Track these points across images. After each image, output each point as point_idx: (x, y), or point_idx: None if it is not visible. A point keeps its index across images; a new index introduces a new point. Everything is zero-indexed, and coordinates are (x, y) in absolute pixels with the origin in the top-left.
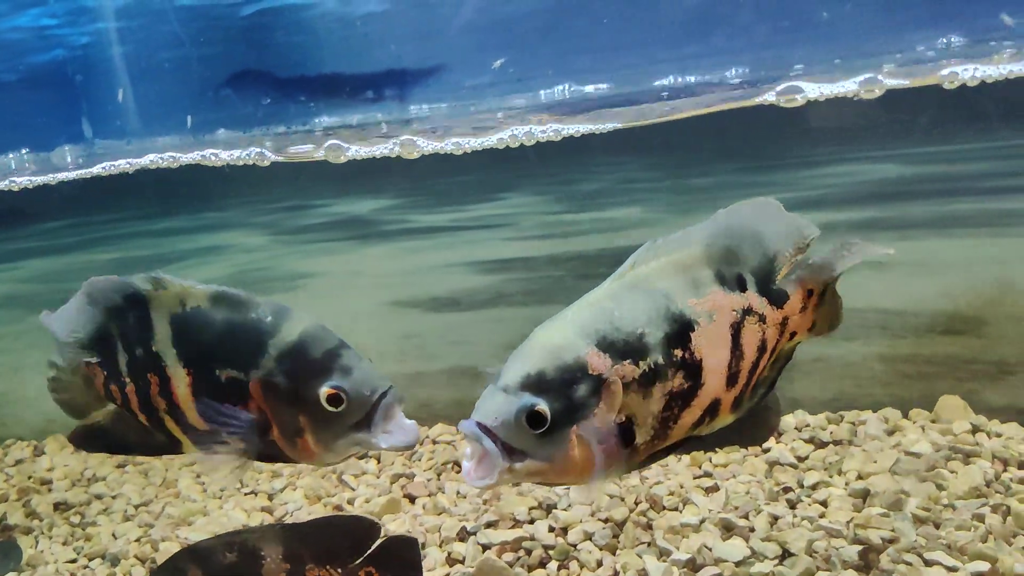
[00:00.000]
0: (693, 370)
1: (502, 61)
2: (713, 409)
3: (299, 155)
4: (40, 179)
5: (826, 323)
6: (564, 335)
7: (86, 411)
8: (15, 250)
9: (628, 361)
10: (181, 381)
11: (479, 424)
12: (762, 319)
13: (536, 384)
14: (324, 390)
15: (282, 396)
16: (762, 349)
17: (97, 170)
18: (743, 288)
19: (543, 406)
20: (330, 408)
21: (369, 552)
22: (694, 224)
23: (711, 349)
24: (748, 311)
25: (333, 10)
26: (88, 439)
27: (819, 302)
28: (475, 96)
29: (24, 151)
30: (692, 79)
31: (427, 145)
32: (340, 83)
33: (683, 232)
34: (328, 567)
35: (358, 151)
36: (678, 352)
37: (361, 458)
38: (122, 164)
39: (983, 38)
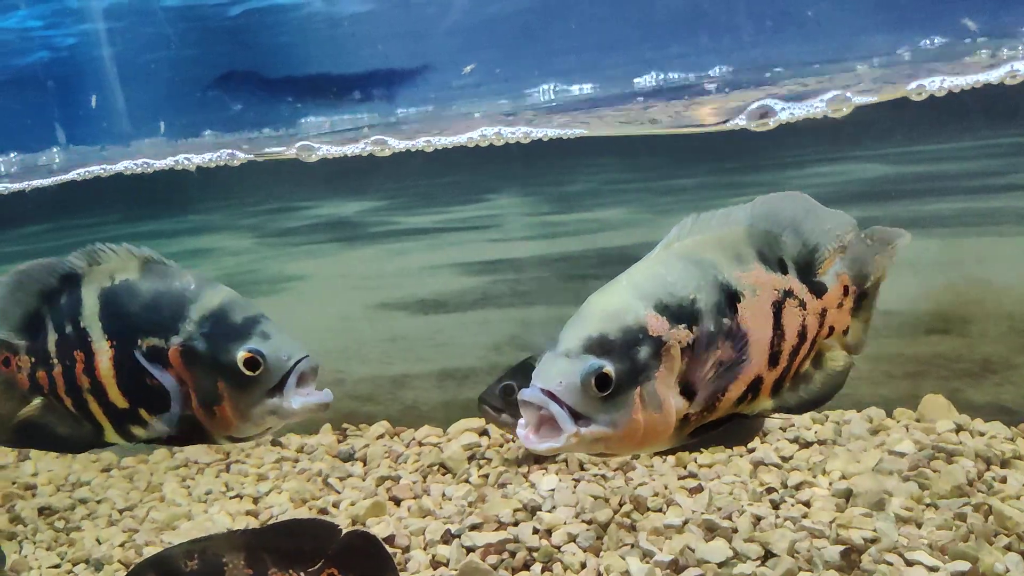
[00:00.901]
0: (740, 341)
1: (472, 67)
2: (756, 387)
3: (270, 155)
4: (16, 186)
5: (856, 334)
6: (622, 299)
7: (7, 416)
8: None
9: (683, 326)
10: (104, 355)
11: (543, 391)
12: (802, 304)
13: (599, 346)
14: (241, 353)
15: (201, 361)
16: (802, 335)
17: (72, 176)
18: (784, 271)
19: (609, 367)
20: (247, 372)
21: (329, 553)
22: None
23: (755, 322)
24: (789, 293)
25: (320, 11)
26: (17, 436)
27: (856, 305)
28: (461, 96)
29: (12, 155)
30: (675, 76)
31: (398, 144)
32: (327, 83)
33: (724, 211)
34: (291, 570)
35: (328, 150)
36: (726, 321)
37: (347, 460)
38: (96, 170)
39: (961, 38)
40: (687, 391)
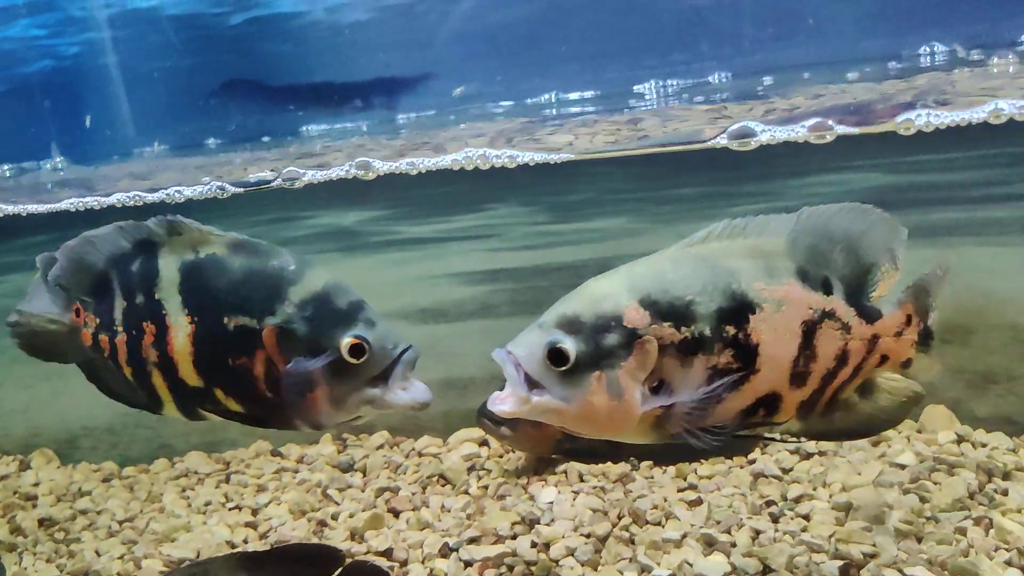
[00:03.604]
0: (746, 352)
1: (462, 89)
2: (771, 403)
3: (258, 188)
4: (11, 208)
5: (925, 369)
6: (611, 286)
7: (61, 358)
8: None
9: (669, 324)
10: (181, 331)
11: (509, 353)
12: (846, 328)
13: (569, 324)
14: (347, 340)
15: (300, 345)
16: (842, 360)
17: (64, 205)
18: (828, 291)
19: (567, 345)
20: (351, 359)
21: None
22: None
23: (773, 337)
24: (829, 314)
25: (321, 19)
26: (93, 376)
27: (924, 338)
28: (462, 104)
29: (7, 167)
30: (674, 83)
31: (383, 166)
32: (328, 91)
33: (767, 218)
34: None
35: (314, 175)
36: (730, 329)
37: (346, 471)
38: (90, 201)
39: (967, 44)
40: (663, 388)
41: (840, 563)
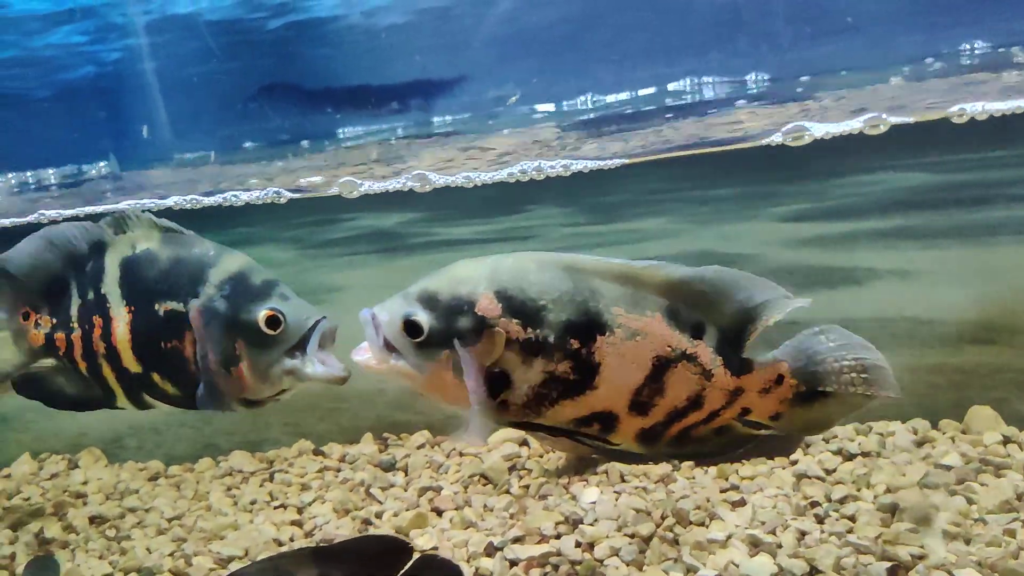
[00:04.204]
0: (587, 369)
1: (517, 97)
2: (606, 420)
3: (314, 193)
4: (69, 211)
5: (800, 425)
6: (474, 272)
7: (15, 365)
8: None
9: (517, 321)
10: (121, 320)
11: (372, 315)
12: (706, 374)
13: (427, 300)
14: (263, 312)
15: (220, 321)
16: (695, 403)
17: (122, 206)
18: (698, 335)
19: (420, 318)
20: (268, 331)
21: (402, 572)
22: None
23: (618, 363)
24: (689, 356)
25: (359, 23)
26: (26, 386)
27: (797, 400)
28: (497, 107)
29: (51, 170)
30: (709, 80)
31: (439, 179)
32: (366, 94)
33: (674, 265)
34: None
35: (371, 186)
36: (574, 343)
37: (388, 470)
38: (147, 203)
39: (1006, 42)
40: (507, 380)
41: (888, 564)
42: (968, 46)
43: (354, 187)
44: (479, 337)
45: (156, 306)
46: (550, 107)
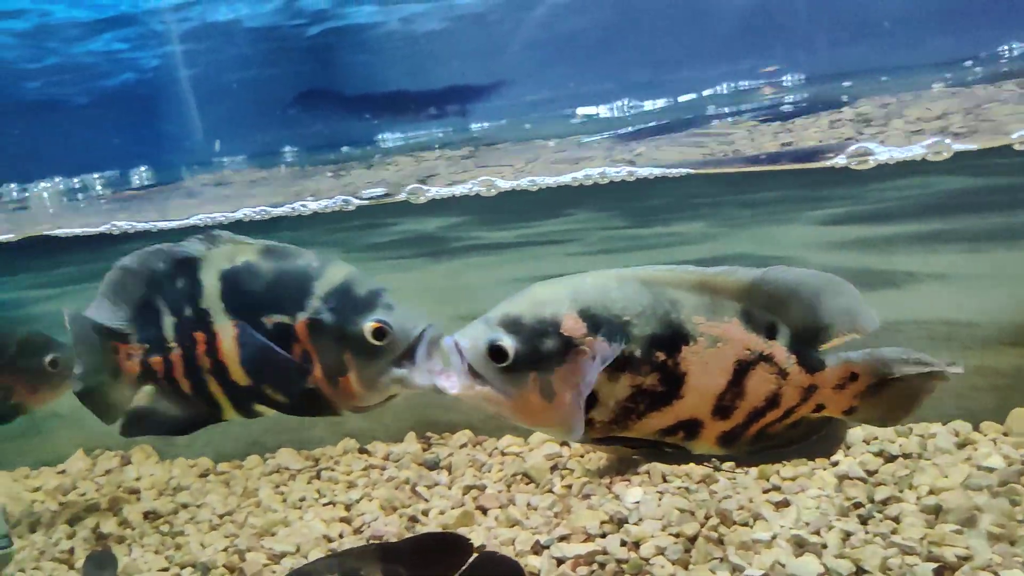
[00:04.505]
0: (673, 379)
1: (583, 116)
2: (691, 427)
3: (382, 199)
4: (142, 225)
5: (875, 416)
6: (555, 293)
7: (118, 406)
8: (100, 270)
9: (603, 339)
10: (227, 334)
11: (455, 342)
12: (782, 373)
13: (511, 324)
14: (369, 324)
15: (328, 333)
16: (772, 402)
17: (194, 221)
18: (772, 335)
19: (505, 343)
20: (374, 342)
21: (464, 569)
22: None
23: (702, 370)
24: (766, 357)
25: (397, 29)
26: (133, 426)
27: (870, 392)
28: (534, 112)
29: (96, 175)
30: (745, 84)
31: (505, 184)
32: (404, 100)
33: (743, 269)
34: None
35: (438, 192)
36: (660, 355)
37: (432, 468)
38: (218, 217)
39: None
40: (590, 397)
41: (934, 565)
42: (1007, 48)
43: (421, 193)
44: (565, 358)
45: (263, 319)
46: (590, 110)
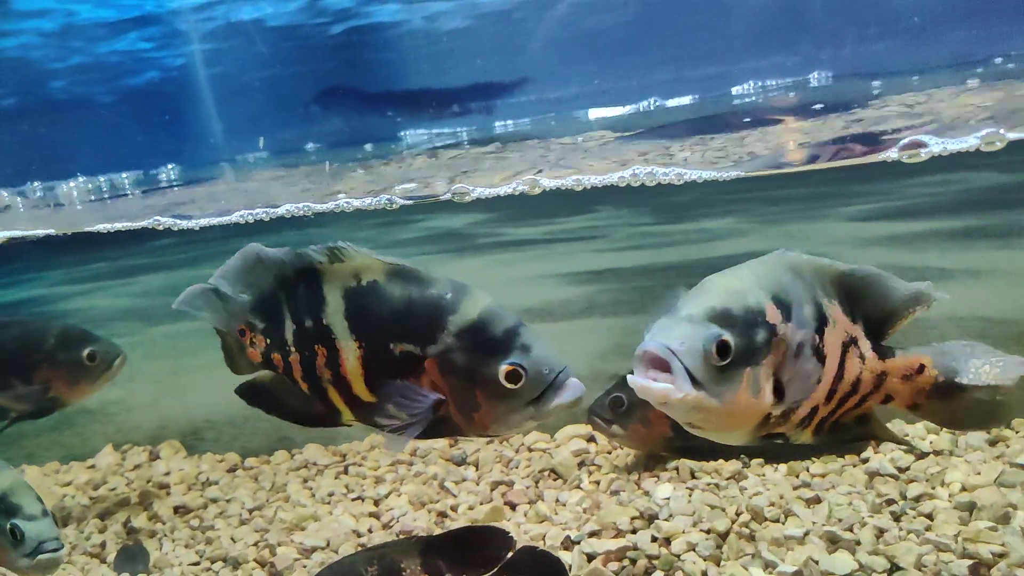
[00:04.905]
0: (820, 362)
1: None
2: (811, 416)
3: (427, 199)
4: (184, 223)
5: (938, 417)
6: (745, 282)
7: (242, 368)
8: (130, 266)
9: (795, 325)
10: (351, 353)
11: (668, 348)
12: (862, 357)
13: (722, 318)
14: (503, 367)
15: (460, 373)
16: (855, 387)
17: (235, 218)
18: (855, 321)
19: (730, 338)
20: (508, 385)
21: (504, 562)
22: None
23: (832, 352)
24: (855, 341)
25: (420, 27)
26: (251, 394)
27: (937, 392)
28: (558, 109)
29: (126, 175)
30: (773, 83)
31: (549, 183)
32: (427, 98)
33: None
34: None
35: (483, 192)
36: (816, 338)
37: (459, 464)
38: (259, 213)
39: None
40: (777, 389)
41: (969, 563)
42: None
43: (467, 193)
44: (769, 349)
45: (391, 346)
46: (616, 110)
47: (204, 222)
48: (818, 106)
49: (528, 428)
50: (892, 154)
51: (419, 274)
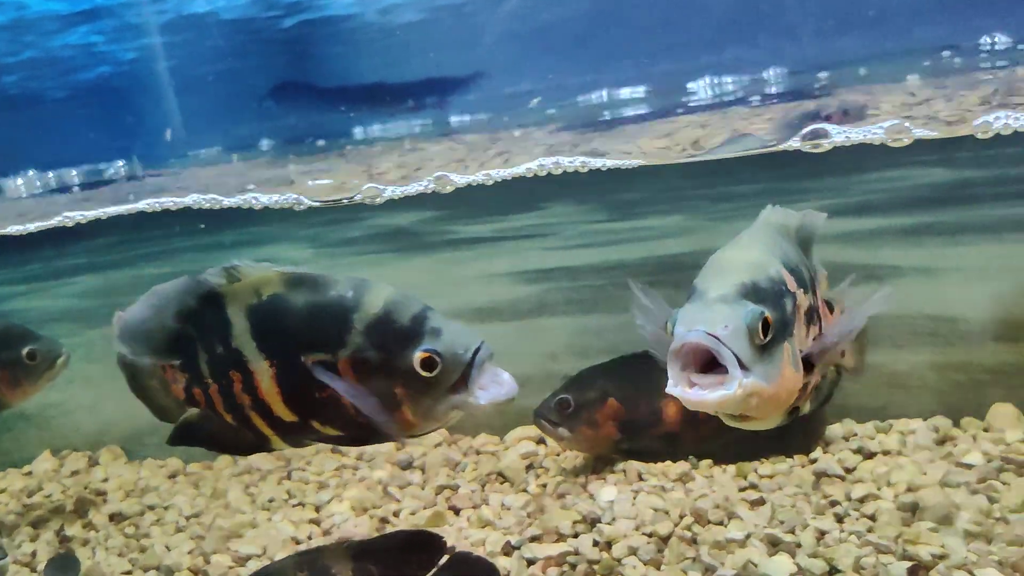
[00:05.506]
0: (820, 328)
1: (538, 100)
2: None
3: (335, 203)
4: (92, 213)
5: (853, 357)
6: (758, 253)
7: (170, 415)
8: (68, 266)
9: (804, 291)
10: (264, 374)
11: (711, 336)
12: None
13: (754, 293)
14: (417, 355)
15: (376, 370)
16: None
17: (142, 205)
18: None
19: (769, 313)
20: (425, 373)
21: (437, 568)
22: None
23: (823, 311)
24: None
25: (373, 21)
26: (184, 436)
27: None
28: (513, 104)
29: (73, 171)
30: (729, 80)
31: (460, 179)
32: (381, 92)
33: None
34: None
35: (394, 191)
36: (815, 299)
37: (405, 468)
38: (167, 202)
39: None
40: (806, 360)
41: (908, 564)
42: (988, 39)
43: (377, 193)
44: (796, 317)
45: (302, 358)
46: (566, 103)
47: (111, 211)
48: (768, 97)
49: (453, 420)
50: (794, 143)
51: (318, 279)
